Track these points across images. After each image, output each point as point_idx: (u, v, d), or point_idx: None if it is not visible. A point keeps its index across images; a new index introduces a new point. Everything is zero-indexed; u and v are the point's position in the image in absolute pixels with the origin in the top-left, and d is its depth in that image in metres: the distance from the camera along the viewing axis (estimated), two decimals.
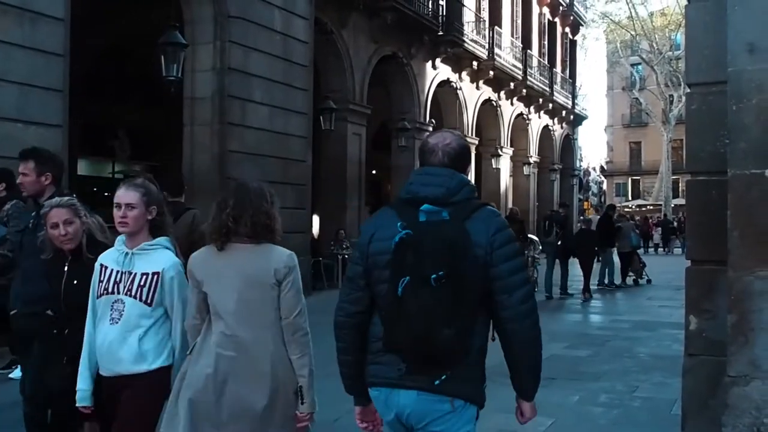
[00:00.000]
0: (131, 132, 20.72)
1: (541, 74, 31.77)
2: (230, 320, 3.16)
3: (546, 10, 33.61)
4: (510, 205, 26.45)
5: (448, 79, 24.08)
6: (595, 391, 6.91)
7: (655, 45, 38.85)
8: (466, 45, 23.78)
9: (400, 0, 19.33)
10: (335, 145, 18.55)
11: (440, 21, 22.29)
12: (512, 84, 28.28)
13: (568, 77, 36.72)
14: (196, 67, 12.65)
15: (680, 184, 44.37)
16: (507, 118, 29.23)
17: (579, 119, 39.00)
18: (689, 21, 4.11)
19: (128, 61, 18.41)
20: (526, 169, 31.28)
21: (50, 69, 9.30)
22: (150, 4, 13.63)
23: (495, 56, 26.14)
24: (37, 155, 4.93)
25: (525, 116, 30.89)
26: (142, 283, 3.35)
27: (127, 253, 3.39)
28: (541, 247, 16.11)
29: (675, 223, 36.43)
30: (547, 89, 32.25)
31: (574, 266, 15.50)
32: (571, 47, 38.15)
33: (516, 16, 29.95)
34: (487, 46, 25.68)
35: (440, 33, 22.24)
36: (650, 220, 37.91)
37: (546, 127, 33.75)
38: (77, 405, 3.41)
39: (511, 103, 29.48)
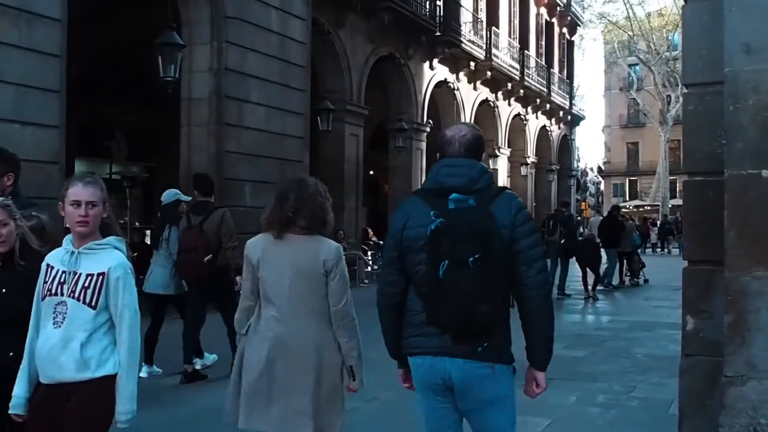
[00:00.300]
0: (128, 133, 20.68)
1: (538, 75, 31.79)
2: (281, 305, 3.46)
3: (543, 10, 33.63)
4: None
5: (445, 79, 24.09)
6: (593, 391, 6.91)
7: (652, 45, 38.93)
8: (463, 45, 23.79)
9: (397, 0, 19.34)
10: (332, 146, 18.55)
11: (437, 21, 22.29)
12: (509, 84, 28.28)
13: (565, 78, 36.75)
14: (193, 68, 12.64)
15: (678, 185, 44.40)
16: (504, 119, 29.24)
17: (576, 120, 39.03)
18: (686, 21, 4.11)
19: (125, 62, 18.42)
20: (523, 170, 31.30)
21: (47, 70, 9.29)
22: (147, 5, 13.62)
23: (492, 57, 26.15)
24: (1, 155, 4.80)
25: (522, 117, 30.90)
26: (86, 285, 3.09)
27: (73, 252, 3.14)
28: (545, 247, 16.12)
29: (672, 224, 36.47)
30: (545, 90, 32.26)
31: (573, 267, 15.50)
32: (569, 48, 38.18)
33: (513, 17, 29.96)
34: (484, 47, 25.69)
35: (437, 33, 22.24)
36: (648, 221, 37.95)
37: (543, 127, 33.76)
38: (9, 412, 3.14)
39: (509, 104, 29.49)
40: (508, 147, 29.81)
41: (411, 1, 20.41)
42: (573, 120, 38.19)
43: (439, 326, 2.88)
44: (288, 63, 14.07)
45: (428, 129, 23.12)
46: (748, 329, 3.31)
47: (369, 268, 18.03)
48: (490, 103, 27.72)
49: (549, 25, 34.64)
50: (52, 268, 3.16)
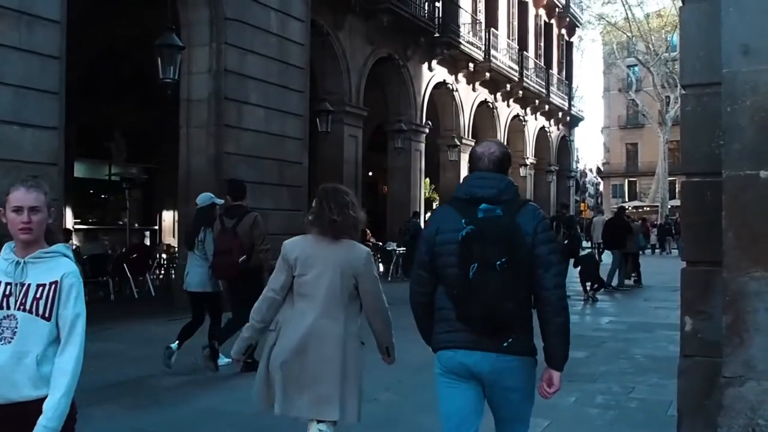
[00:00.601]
0: (127, 134, 20.70)
1: (537, 76, 31.82)
2: (317, 301, 3.80)
3: (542, 11, 33.66)
4: None
5: (444, 80, 24.10)
6: (592, 392, 6.92)
7: (651, 46, 38.91)
8: (462, 47, 23.81)
9: (396, 2, 19.35)
10: (332, 147, 18.57)
11: (436, 23, 22.32)
12: (508, 86, 28.31)
13: (564, 79, 36.78)
14: (193, 70, 12.65)
15: (677, 186, 44.38)
16: (503, 120, 29.25)
17: (575, 121, 39.06)
18: (684, 23, 4.12)
19: (124, 63, 18.44)
20: (522, 171, 31.30)
21: (46, 71, 9.30)
22: (146, 7, 13.64)
23: (491, 58, 26.18)
24: None
25: (521, 118, 30.92)
26: (38, 296, 2.85)
27: (18, 263, 2.89)
28: None
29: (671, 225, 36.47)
30: (544, 91, 32.29)
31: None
32: (568, 49, 38.21)
33: (512, 18, 29.99)
34: (483, 48, 25.71)
35: (436, 35, 22.26)
36: (647, 222, 37.96)
37: (542, 128, 33.79)
38: None
39: (508, 105, 29.51)
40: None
41: (410, 2, 20.43)
42: (572, 121, 38.22)
43: (468, 322, 3.16)
44: (287, 64, 14.08)
45: (427, 130, 23.14)
46: (746, 330, 3.31)
47: None
48: (489, 104, 27.74)
49: (548, 26, 34.68)
50: None
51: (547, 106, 33.04)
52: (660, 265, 22.60)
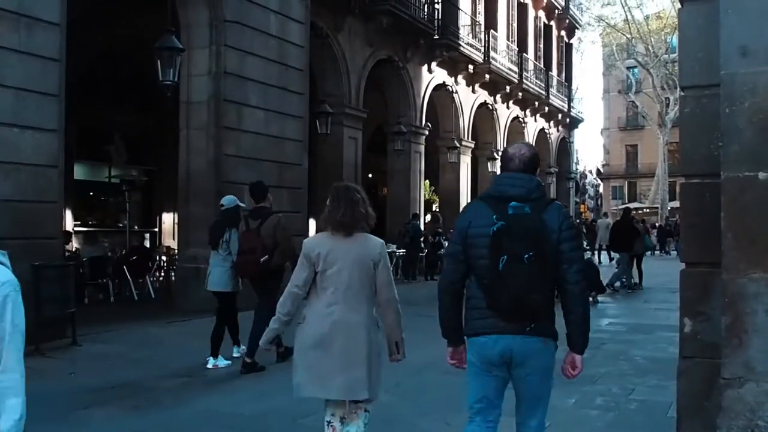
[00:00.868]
0: (127, 136, 20.72)
1: (536, 77, 31.82)
2: (339, 292, 4.10)
3: (541, 13, 33.66)
4: None
5: (443, 82, 24.09)
6: (591, 394, 6.92)
7: (650, 48, 38.91)
8: (461, 48, 23.80)
9: (396, 4, 19.36)
10: (331, 149, 18.56)
11: (436, 25, 22.31)
12: (508, 87, 28.30)
13: (563, 80, 36.77)
14: (192, 72, 12.64)
15: (677, 187, 44.32)
16: (503, 122, 29.25)
17: (575, 122, 39.05)
18: (683, 24, 4.12)
19: (124, 65, 18.43)
20: None
21: (46, 74, 9.30)
22: (146, 8, 13.64)
23: (491, 60, 26.16)
24: None
25: (521, 119, 30.92)
26: None
27: None
28: None
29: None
30: (543, 92, 32.28)
31: None
32: (567, 50, 38.20)
33: (511, 20, 29.98)
34: (482, 50, 25.71)
35: (436, 37, 22.26)
36: (646, 224, 37.91)
37: (542, 130, 33.78)
38: None
39: (507, 107, 29.51)
40: None
41: (409, 4, 20.43)
42: (572, 123, 38.21)
43: (497, 310, 3.44)
44: (287, 66, 14.09)
45: (427, 132, 23.13)
46: (745, 331, 3.32)
47: None
48: (489, 106, 27.73)
49: (547, 28, 34.68)
50: None
51: (546, 108, 33.02)
52: (660, 267, 22.57)
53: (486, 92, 27.16)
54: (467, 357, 3.66)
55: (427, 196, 26.34)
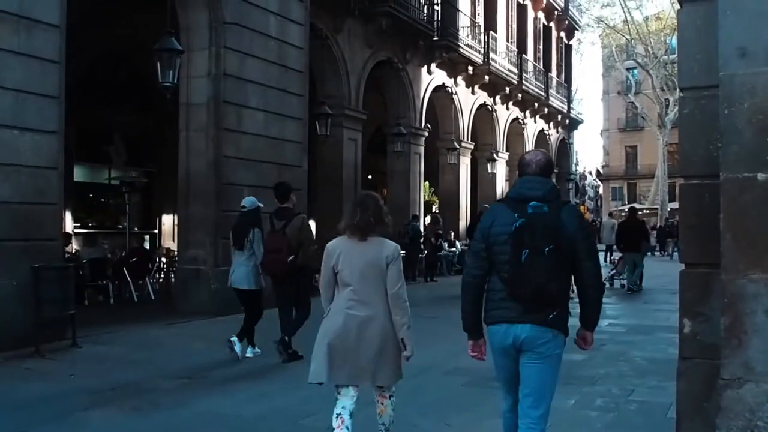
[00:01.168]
0: (127, 137, 20.72)
1: (536, 79, 31.82)
2: (355, 289, 4.51)
3: (541, 14, 33.67)
4: None
5: (443, 84, 24.10)
6: (591, 394, 6.92)
7: (650, 49, 38.91)
8: (461, 50, 23.81)
9: (395, 5, 19.37)
10: (331, 151, 18.56)
11: (435, 26, 22.31)
12: (507, 88, 28.30)
13: (563, 81, 36.78)
14: (192, 73, 12.64)
15: (676, 188, 44.18)
16: (502, 123, 29.26)
17: (575, 123, 39.05)
18: (682, 25, 4.12)
19: (123, 67, 18.44)
20: None
21: (46, 76, 9.30)
22: (145, 10, 13.63)
23: (490, 61, 26.17)
24: None
25: (521, 121, 30.92)
26: None
27: None
28: None
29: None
30: (543, 94, 32.29)
31: None
32: (567, 51, 38.21)
33: (511, 21, 29.99)
34: (482, 51, 25.71)
35: (435, 38, 22.26)
36: (646, 224, 37.86)
37: (542, 131, 33.79)
38: None
39: (507, 108, 29.51)
40: (507, 151, 29.82)
41: (409, 6, 20.44)
42: (571, 124, 38.22)
43: (518, 299, 3.76)
44: (286, 68, 14.09)
45: (426, 133, 23.13)
46: (744, 332, 3.32)
47: None
48: (488, 107, 27.73)
49: (547, 29, 34.69)
50: None
51: (546, 109, 33.03)
52: (660, 268, 22.58)
53: (485, 93, 27.17)
54: (488, 346, 4.01)
55: (426, 197, 26.33)
